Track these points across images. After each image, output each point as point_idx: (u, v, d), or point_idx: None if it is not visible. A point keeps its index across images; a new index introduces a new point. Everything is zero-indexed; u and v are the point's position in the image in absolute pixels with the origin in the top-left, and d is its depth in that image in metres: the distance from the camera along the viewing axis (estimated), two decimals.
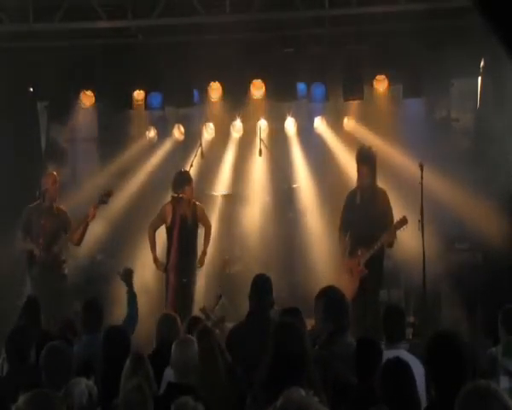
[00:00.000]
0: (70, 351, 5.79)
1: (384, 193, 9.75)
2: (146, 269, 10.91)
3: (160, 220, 10.05)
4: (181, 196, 9.73)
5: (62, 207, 10.10)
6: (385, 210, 9.62)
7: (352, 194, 9.92)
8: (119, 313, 7.59)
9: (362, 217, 9.63)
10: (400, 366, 4.91)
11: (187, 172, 10.21)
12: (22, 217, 9.96)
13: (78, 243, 10.00)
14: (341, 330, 6.09)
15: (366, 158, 9.70)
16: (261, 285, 7.20)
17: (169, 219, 9.89)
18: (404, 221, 9.42)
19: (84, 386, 4.89)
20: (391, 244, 9.66)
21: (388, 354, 5.64)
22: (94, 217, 9.84)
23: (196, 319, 6.97)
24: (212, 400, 5.37)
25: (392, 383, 4.77)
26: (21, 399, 4.13)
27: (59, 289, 9.85)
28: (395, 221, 9.52)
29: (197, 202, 10.13)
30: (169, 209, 9.91)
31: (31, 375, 5.63)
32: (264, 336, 6.36)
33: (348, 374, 5.43)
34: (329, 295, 6.28)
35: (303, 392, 3.09)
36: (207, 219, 10.28)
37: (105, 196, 9.79)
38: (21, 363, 5.94)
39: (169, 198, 10.32)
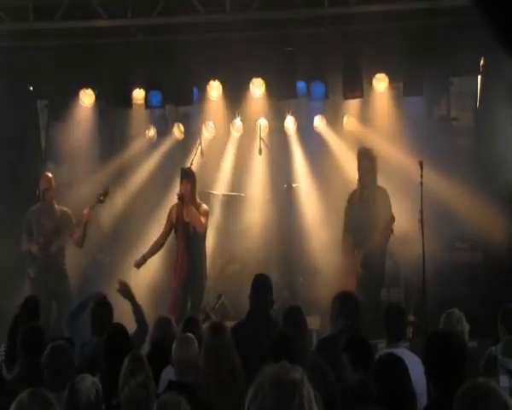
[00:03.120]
0: (72, 351, 5.80)
1: (384, 192, 9.74)
2: (147, 269, 10.91)
3: (168, 223, 9.85)
4: (181, 194, 9.63)
5: (64, 207, 10.13)
6: (385, 210, 9.61)
7: (353, 194, 9.94)
8: (119, 313, 7.56)
9: (362, 217, 9.64)
10: (393, 361, 4.91)
11: (184, 169, 10.01)
12: (25, 219, 10.01)
13: (80, 243, 10.00)
14: (349, 330, 6.12)
15: (367, 158, 9.71)
16: (261, 285, 7.22)
17: (174, 221, 9.77)
18: (391, 220, 9.46)
19: (90, 383, 4.90)
20: (381, 244, 9.62)
21: (389, 352, 5.65)
22: (89, 216, 9.85)
23: (193, 319, 6.97)
24: (219, 391, 5.41)
25: (386, 379, 4.77)
26: (24, 393, 4.17)
27: (59, 289, 9.88)
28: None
29: (196, 202, 9.73)
30: (174, 211, 9.78)
31: None
32: (264, 335, 6.39)
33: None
34: (344, 296, 6.45)
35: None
36: (199, 219, 9.65)
37: (102, 196, 9.82)
38: None
39: (169, 197, 10.32)
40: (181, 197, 9.59)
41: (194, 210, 9.60)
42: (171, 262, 10.08)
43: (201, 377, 5.66)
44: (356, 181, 9.94)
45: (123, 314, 7.55)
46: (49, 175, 10.20)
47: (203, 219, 9.66)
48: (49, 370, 5.54)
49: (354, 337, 5.58)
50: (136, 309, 7.35)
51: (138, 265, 9.79)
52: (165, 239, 9.94)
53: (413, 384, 4.87)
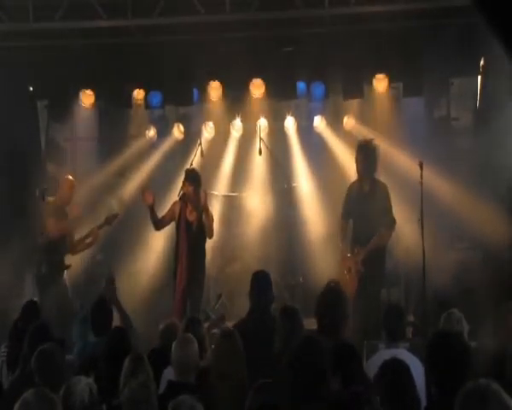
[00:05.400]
0: (62, 353, 5.78)
1: (384, 186, 9.67)
2: (148, 269, 10.92)
3: (171, 212, 9.78)
4: (183, 195, 9.63)
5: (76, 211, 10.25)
6: (384, 206, 9.55)
7: (353, 185, 9.89)
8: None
9: (361, 210, 9.60)
10: (398, 366, 4.89)
11: (189, 171, 9.98)
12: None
13: (73, 253, 10.19)
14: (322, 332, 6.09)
15: (364, 149, 9.66)
16: (261, 282, 7.21)
17: (176, 218, 9.76)
18: (392, 223, 9.45)
19: (84, 384, 4.90)
20: (381, 245, 9.60)
21: (389, 353, 5.65)
22: (96, 238, 10.11)
23: (195, 319, 6.97)
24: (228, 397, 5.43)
25: (391, 384, 4.74)
26: (28, 393, 4.19)
27: (61, 293, 9.95)
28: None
29: (201, 205, 9.62)
30: (177, 208, 9.75)
31: None
32: (266, 332, 6.40)
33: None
34: (320, 294, 6.37)
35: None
36: (211, 224, 9.73)
37: (111, 218, 9.95)
38: None
39: (169, 197, 10.32)
40: (182, 198, 9.59)
41: (211, 215, 9.65)
42: (172, 263, 10.06)
43: (210, 376, 5.70)
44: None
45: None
46: (71, 179, 10.34)
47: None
48: (39, 374, 5.54)
49: (340, 342, 5.52)
50: (122, 316, 7.32)
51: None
52: (165, 223, 9.85)
53: (417, 390, 4.84)
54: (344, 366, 5.11)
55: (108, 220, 10.11)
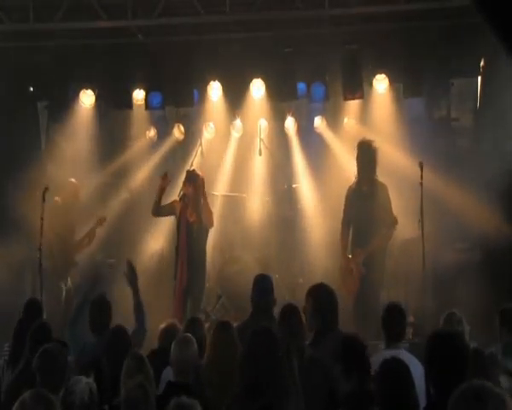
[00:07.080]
0: (64, 353, 5.77)
1: (384, 187, 9.67)
2: (148, 269, 10.91)
3: (170, 209, 9.87)
4: (183, 195, 9.65)
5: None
6: (384, 206, 9.55)
7: (350, 188, 9.90)
8: (120, 313, 7.53)
9: (361, 212, 9.60)
10: (398, 365, 4.87)
11: (189, 172, 10.04)
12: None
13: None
14: (328, 330, 6.09)
15: (365, 148, 9.68)
16: (263, 285, 7.21)
17: (177, 218, 9.79)
18: (394, 223, 9.43)
19: (84, 384, 4.91)
20: (383, 246, 9.61)
21: (389, 353, 5.64)
22: (92, 240, 10.81)
23: (195, 320, 6.96)
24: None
25: (390, 384, 4.72)
26: (26, 394, 4.19)
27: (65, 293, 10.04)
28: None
29: (201, 205, 9.74)
30: (177, 206, 9.78)
31: None
32: None
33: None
34: (318, 292, 6.34)
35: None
36: (211, 213, 9.89)
37: (101, 220, 10.81)
38: None
39: (169, 198, 10.32)
40: (183, 198, 9.61)
41: (208, 205, 9.72)
42: (172, 263, 10.07)
43: (205, 368, 5.70)
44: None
45: (122, 313, 7.51)
46: (75, 183, 10.91)
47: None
48: (41, 373, 5.53)
49: (346, 341, 5.49)
50: (138, 306, 7.11)
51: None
52: (163, 213, 10.00)
53: (416, 390, 4.83)
54: (358, 366, 5.09)
55: (100, 222, 10.76)
